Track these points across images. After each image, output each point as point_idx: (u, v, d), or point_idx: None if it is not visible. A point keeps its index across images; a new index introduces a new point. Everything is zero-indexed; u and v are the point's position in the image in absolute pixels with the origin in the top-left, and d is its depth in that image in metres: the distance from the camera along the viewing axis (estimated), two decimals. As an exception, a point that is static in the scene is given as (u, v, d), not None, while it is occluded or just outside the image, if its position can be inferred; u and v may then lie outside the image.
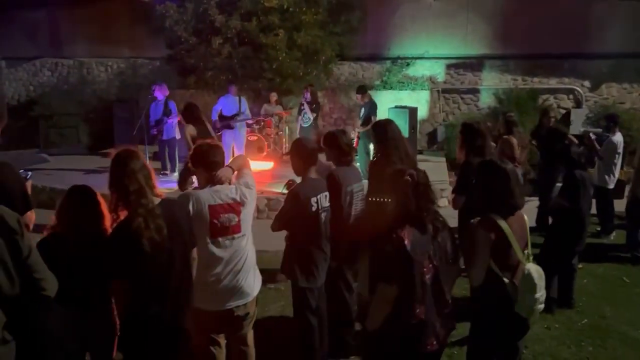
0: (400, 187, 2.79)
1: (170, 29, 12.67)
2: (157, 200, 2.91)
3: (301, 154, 3.94)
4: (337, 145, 4.29)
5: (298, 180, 4.01)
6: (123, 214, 2.82)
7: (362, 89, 10.27)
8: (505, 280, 3.01)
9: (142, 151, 11.31)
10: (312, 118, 10.45)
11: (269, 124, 12.19)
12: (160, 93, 10.06)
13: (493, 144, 5.87)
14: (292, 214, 3.82)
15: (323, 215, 3.92)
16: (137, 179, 2.83)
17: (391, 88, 13.88)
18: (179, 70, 13.37)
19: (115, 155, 2.93)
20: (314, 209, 3.83)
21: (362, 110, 10.17)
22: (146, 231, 2.73)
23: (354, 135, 10.04)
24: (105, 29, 15.58)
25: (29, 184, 3.16)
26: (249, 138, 11.56)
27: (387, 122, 4.75)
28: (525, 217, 3.20)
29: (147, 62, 15.61)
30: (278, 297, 5.35)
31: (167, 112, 10.08)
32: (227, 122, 10.45)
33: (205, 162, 3.32)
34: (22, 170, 3.19)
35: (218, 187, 3.31)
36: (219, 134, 10.48)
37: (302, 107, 10.54)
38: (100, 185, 3.20)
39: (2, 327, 2.03)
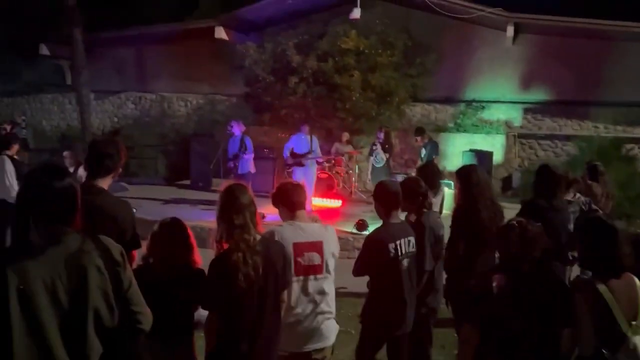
0: (507, 239, 2.74)
1: (249, 68, 13.51)
2: (258, 237, 2.96)
3: (382, 197, 3.87)
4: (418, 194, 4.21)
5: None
6: (226, 246, 2.90)
7: (421, 131, 10.44)
8: (605, 353, 2.66)
9: (218, 184, 12.04)
10: (385, 158, 10.70)
11: (339, 163, 12.51)
12: (238, 129, 10.69)
13: (577, 194, 5.80)
14: (368, 259, 3.73)
15: (405, 261, 3.79)
16: (243, 214, 2.89)
17: (465, 131, 14.01)
18: (255, 107, 14.15)
19: (226, 188, 3.01)
20: (392, 254, 3.71)
21: (423, 151, 10.30)
22: (243, 266, 2.79)
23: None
24: (188, 66, 16.68)
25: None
26: (319, 175, 11.86)
27: (472, 168, 4.55)
28: (638, 282, 2.81)
29: (224, 99, 16.44)
30: (348, 340, 5.04)
31: (243, 148, 10.64)
32: (298, 159, 10.89)
33: (288, 202, 3.37)
34: None
35: (302, 224, 3.35)
36: (289, 170, 10.93)
37: (375, 147, 10.78)
38: (180, 216, 3.38)
39: (98, 357, 2.07)
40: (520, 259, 2.74)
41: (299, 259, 3.27)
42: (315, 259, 3.31)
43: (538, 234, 2.80)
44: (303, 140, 10.95)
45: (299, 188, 3.44)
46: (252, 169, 10.68)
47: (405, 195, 4.10)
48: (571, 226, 4.69)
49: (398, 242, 3.74)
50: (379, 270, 3.72)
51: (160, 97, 17.56)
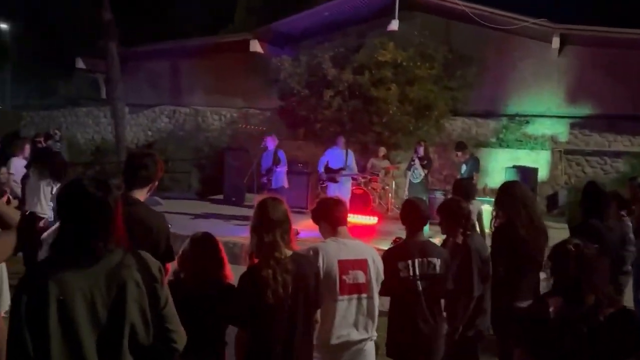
0: (563, 262, 2.68)
1: (283, 81, 13.51)
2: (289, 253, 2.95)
3: (407, 216, 3.81)
4: (459, 215, 4.12)
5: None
6: (257, 261, 2.92)
7: (462, 146, 10.20)
8: None
9: (251, 199, 12.04)
10: (423, 174, 10.50)
11: (375, 179, 12.41)
12: (272, 143, 10.65)
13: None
14: (384, 278, 3.61)
15: (421, 283, 3.62)
16: (273, 232, 2.89)
17: (508, 146, 13.69)
18: (289, 121, 14.13)
19: (260, 203, 3.02)
20: (402, 274, 3.59)
21: (464, 167, 10.11)
22: (273, 283, 2.80)
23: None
24: (221, 79, 16.85)
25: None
26: (354, 191, 11.71)
27: (514, 184, 4.43)
28: None
29: (258, 112, 16.54)
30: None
31: (276, 162, 10.57)
32: (332, 174, 10.79)
33: (331, 217, 3.37)
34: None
35: (346, 240, 3.32)
36: (323, 186, 10.85)
37: (413, 163, 10.60)
38: (212, 231, 3.37)
39: None
40: (579, 284, 2.65)
41: (344, 277, 3.21)
42: (360, 277, 3.25)
43: (596, 257, 2.71)
44: (338, 155, 10.87)
45: (340, 203, 3.42)
46: (286, 184, 10.63)
47: (446, 217, 4.05)
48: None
49: (411, 261, 3.61)
50: (392, 290, 3.61)
51: (194, 111, 17.75)
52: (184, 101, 17.89)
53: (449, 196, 6.00)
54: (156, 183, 3.37)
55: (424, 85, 12.65)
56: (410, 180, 10.62)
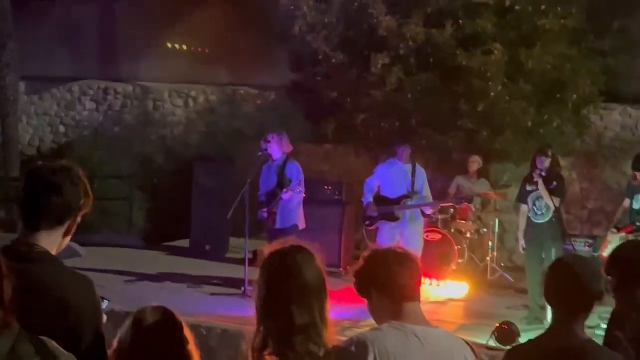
0: None
1: (299, 38, 13.51)
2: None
3: (555, 291, 3.86)
4: None
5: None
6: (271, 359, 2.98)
7: None
8: None
9: (241, 248, 11.92)
10: (552, 207, 10.29)
11: (464, 212, 12.31)
12: (278, 148, 10.50)
13: None
14: None
15: None
16: (310, 307, 3.01)
17: None
18: (308, 110, 14.11)
19: (269, 257, 3.12)
20: None
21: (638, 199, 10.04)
22: None
23: (611, 238, 9.92)
24: (190, 36, 16.94)
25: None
26: (427, 238, 11.66)
27: None
28: None
29: (254, 94, 16.61)
30: None
31: (284, 182, 10.48)
32: (389, 208, 10.68)
33: (388, 286, 3.42)
34: None
35: (418, 328, 3.37)
36: (371, 228, 10.80)
37: (533, 187, 10.43)
38: (173, 305, 3.39)
39: None
40: None
41: None
42: None
43: None
44: (398, 172, 10.78)
45: (407, 261, 3.44)
46: (302, 222, 10.59)
47: (628, 277, 4.11)
48: None
49: None
50: None
51: (141, 89, 17.83)
52: (123, 73, 17.99)
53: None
54: (78, 219, 3.36)
55: (552, 47, 12.57)
56: (529, 217, 10.46)
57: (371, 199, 10.70)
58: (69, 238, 3.35)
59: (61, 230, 3.30)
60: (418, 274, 3.46)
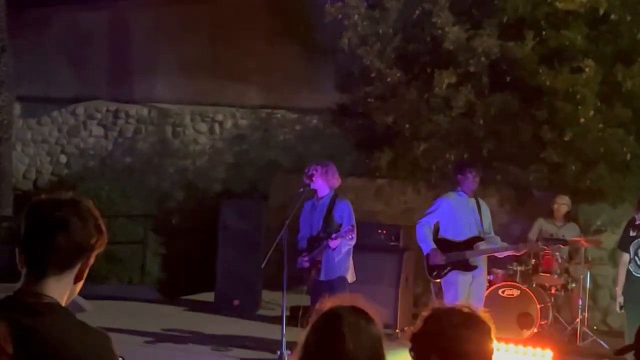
0: None
1: (348, 51, 13.52)
2: None
3: None
4: None
5: None
6: None
7: None
8: None
9: (277, 304, 11.82)
10: (658, 261, 10.08)
11: (547, 263, 12.07)
12: (323, 182, 10.39)
13: None
14: None
15: None
16: None
17: None
18: (358, 137, 14.11)
19: (317, 317, 3.14)
20: None
21: None
22: None
23: None
24: (215, 48, 17.04)
25: None
26: (501, 294, 11.55)
27: None
28: None
29: (292, 118, 16.66)
30: None
31: (331, 224, 10.35)
32: (456, 254, 10.51)
33: (454, 353, 3.40)
34: None
35: None
36: (437, 279, 10.58)
37: (637, 232, 10.20)
38: None
39: None
40: None
41: None
42: None
43: None
44: (464, 209, 10.61)
45: (478, 322, 3.43)
46: (351, 275, 10.51)
47: None
48: None
49: None
50: None
51: (157, 112, 17.94)
52: (137, 93, 18.16)
53: None
54: (91, 261, 3.32)
55: (655, 63, 12.43)
56: (629, 270, 10.24)
57: (433, 244, 10.48)
58: (80, 284, 3.32)
59: (71, 275, 3.26)
60: (490, 339, 3.43)
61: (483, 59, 12.61)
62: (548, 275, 12.04)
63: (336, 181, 10.42)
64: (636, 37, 12.33)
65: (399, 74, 13.12)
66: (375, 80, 13.24)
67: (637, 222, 10.20)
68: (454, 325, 3.42)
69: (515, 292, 11.60)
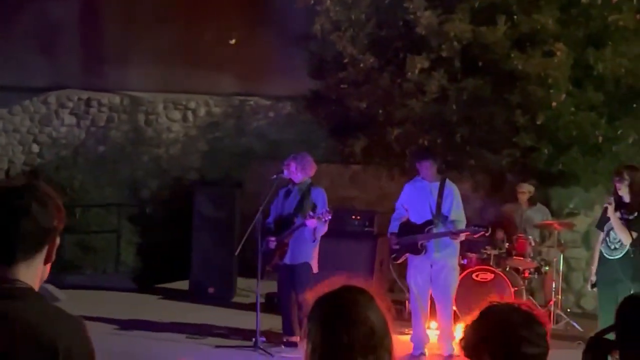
0: None
1: (321, 38, 13.56)
2: None
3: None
4: None
5: None
6: None
7: None
8: None
9: (251, 291, 11.88)
10: (630, 239, 10.15)
11: (521, 246, 12.13)
12: (300, 171, 10.43)
13: None
14: None
15: None
16: (378, 357, 2.98)
17: None
18: (332, 124, 14.16)
19: (322, 302, 3.09)
20: None
21: None
22: None
23: None
24: (188, 35, 16.92)
25: None
26: (475, 277, 11.60)
27: None
28: None
29: (265, 105, 16.67)
30: None
31: (305, 208, 10.37)
32: (410, 238, 10.56)
33: (510, 356, 3.35)
34: None
35: None
36: (399, 261, 10.74)
37: (606, 214, 10.29)
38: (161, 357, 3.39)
39: None
40: None
41: None
42: None
43: None
44: (424, 192, 10.63)
45: (538, 323, 3.33)
46: (315, 263, 10.52)
47: None
48: None
49: None
50: None
51: (130, 100, 17.90)
52: (109, 81, 18.07)
53: None
54: (57, 240, 3.31)
55: (627, 47, 12.48)
56: (601, 251, 10.30)
57: (396, 229, 10.61)
58: (50, 264, 3.31)
59: (41, 258, 3.28)
60: (547, 343, 3.31)
61: (455, 43, 12.59)
62: (521, 258, 12.11)
63: (311, 170, 10.50)
64: (607, 21, 12.32)
65: (372, 60, 13.13)
66: (349, 66, 13.26)
67: (606, 205, 10.31)
68: (513, 325, 3.32)
69: (489, 276, 11.64)
